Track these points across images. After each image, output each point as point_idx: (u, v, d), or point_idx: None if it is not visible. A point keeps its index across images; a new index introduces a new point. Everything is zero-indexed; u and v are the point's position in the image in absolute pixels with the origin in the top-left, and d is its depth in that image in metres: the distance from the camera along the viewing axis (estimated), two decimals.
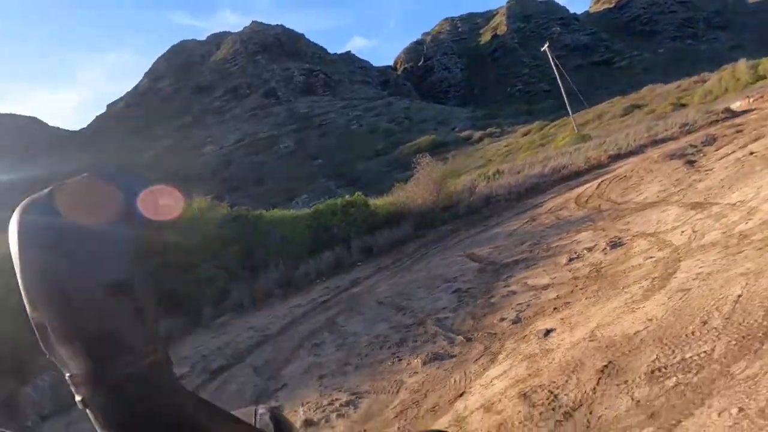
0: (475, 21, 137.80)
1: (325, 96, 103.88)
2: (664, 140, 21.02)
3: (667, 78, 70.10)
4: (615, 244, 8.48)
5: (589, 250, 8.77)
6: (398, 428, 4.89)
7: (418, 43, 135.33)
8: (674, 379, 3.93)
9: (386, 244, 16.20)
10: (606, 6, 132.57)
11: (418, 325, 7.78)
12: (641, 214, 10.02)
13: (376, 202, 20.09)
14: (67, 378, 0.65)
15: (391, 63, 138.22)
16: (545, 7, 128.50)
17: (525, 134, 61.77)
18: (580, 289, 6.97)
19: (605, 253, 8.24)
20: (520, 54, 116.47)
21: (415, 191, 19.48)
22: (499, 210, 17.34)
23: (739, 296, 4.82)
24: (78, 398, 0.65)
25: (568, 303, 6.58)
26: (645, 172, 14.39)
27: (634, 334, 4.88)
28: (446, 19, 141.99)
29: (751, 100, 25.25)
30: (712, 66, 60.55)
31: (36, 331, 0.64)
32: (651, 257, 7.12)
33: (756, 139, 13.23)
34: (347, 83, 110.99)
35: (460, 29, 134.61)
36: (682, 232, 7.72)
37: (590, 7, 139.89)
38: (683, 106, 40.76)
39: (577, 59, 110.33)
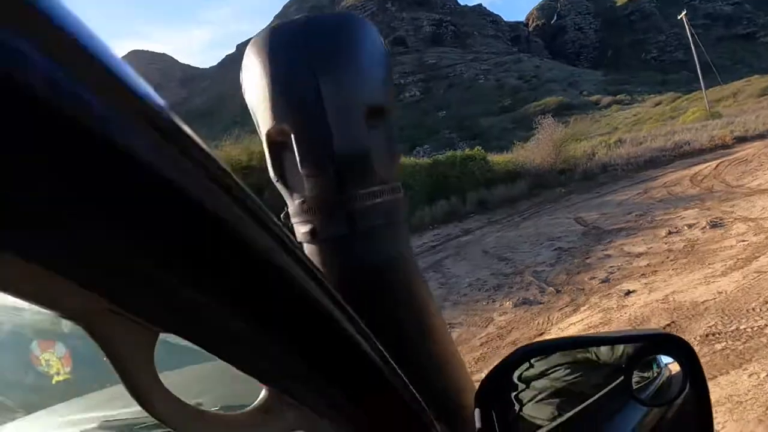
0: None
1: (454, 48, 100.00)
2: None
3: None
4: (715, 225, 8.72)
5: (690, 227, 9.05)
6: (481, 353, 5.86)
7: (552, 0, 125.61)
8: (723, 344, 4.54)
9: (500, 200, 16.85)
10: None
11: (516, 274, 8.60)
12: (749, 200, 10.06)
13: (495, 158, 20.45)
14: (295, 206, 0.63)
15: (522, 19, 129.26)
16: None
17: (656, 105, 58.42)
18: (671, 260, 7.43)
19: (704, 232, 8.53)
20: (658, 19, 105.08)
21: (534, 151, 19.96)
22: (614, 179, 17.59)
23: None
24: (304, 230, 0.63)
25: (656, 271, 7.10)
26: (766, 158, 14.35)
27: (702, 302, 5.45)
28: None
29: None
30: None
31: (267, 151, 0.62)
32: (744, 241, 7.39)
33: None
34: (477, 36, 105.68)
35: None
36: None
37: None
38: None
39: (719, 30, 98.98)
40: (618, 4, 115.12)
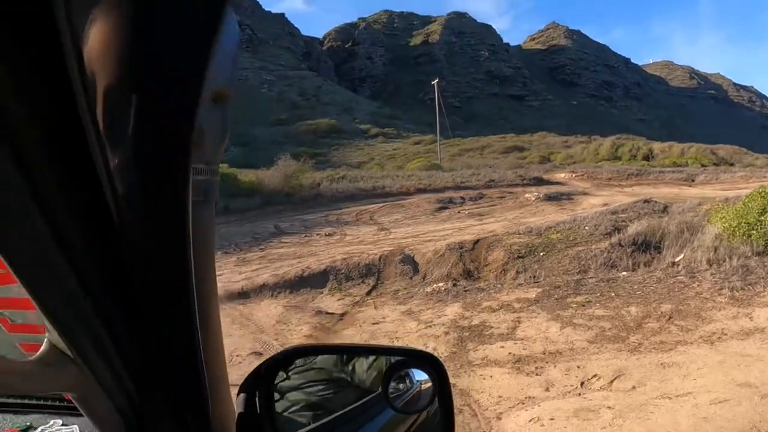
0: (412, 21, 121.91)
1: (246, 53, 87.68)
2: (467, 187, 23.00)
3: (571, 129, 68.90)
4: (333, 234, 14.14)
5: (329, 235, 14.03)
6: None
7: (352, 25, 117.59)
8: None
9: (239, 208, 18.56)
10: (536, 46, 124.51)
11: (228, 246, 12.76)
12: (369, 227, 15.26)
13: (244, 176, 22.35)
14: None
15: (320, 35, 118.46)
16: (480, 30, 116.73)
17: (415, 143, 58.37)
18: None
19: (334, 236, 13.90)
20: (444, 66, 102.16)
21: (271, 176, 22.36)
22: (319, 205, 20.12)
23: None
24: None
25: (301, 256, 11.42)
26: (413, 207, 18.30)
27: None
28: (386, 10, 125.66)
29: (573, 174, 29.30)
30: (615, 131, 61.81)
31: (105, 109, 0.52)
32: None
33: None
34: (271, 46, 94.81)
35: (395, 24, 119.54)
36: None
37: (523, 43, 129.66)
38: (548, 160, 44.41)
39: (494, 88, 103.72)
40: (411, 44, 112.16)
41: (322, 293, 9.15)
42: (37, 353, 0.61)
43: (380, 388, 0.96)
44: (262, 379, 0.89)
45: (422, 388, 1.00)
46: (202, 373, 0.71)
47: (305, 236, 13.94)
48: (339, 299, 8.89)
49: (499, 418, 4.76)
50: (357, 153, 54.96)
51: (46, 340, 0.62)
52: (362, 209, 18.45)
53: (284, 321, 7.68)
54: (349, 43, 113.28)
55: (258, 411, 0.86)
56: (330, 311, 8.24)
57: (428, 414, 1.00)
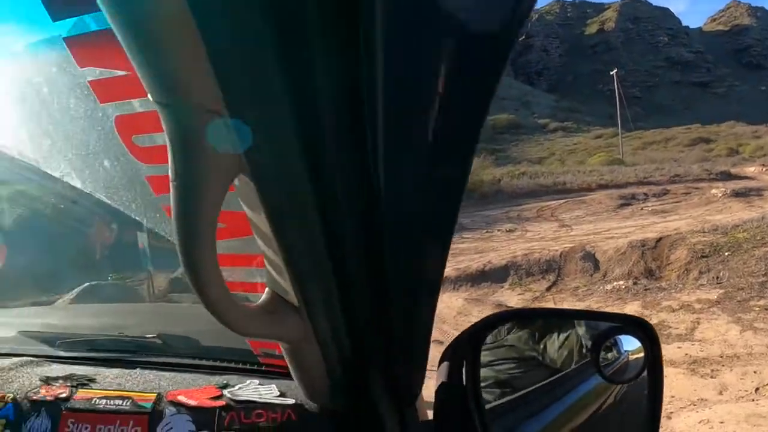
0: (585, 9, 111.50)
1: None
2: (650, 183, 21.75)
3: (761, 117, 59.75)
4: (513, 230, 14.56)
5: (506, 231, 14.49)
6: None
7: None
8: None
9: None
10: (718, 28, 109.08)
11: None
12: (550, 222, 15.50)
13: None
14: None
15: None
16: (657, 13, 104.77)
17: (596, 137, 55.41)
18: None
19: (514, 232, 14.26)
20: (621, 54, 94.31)
21: None
22: (500, 201, 19.87)
23: None
24: None
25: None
26: (595, 203, 17.79)
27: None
28: (557, 1, 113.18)
29: (764, 168, 26.45)
30: None
31: None
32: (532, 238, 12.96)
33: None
34: None
35: (569, 14, 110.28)
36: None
37: (704, 25, 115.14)
38: (737, 153, 41.09)
39: (676, 75, 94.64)
40: (586, 33, 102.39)
41: (502, 287, 9.73)
42: (260, 300, 0.63)
43: (592, 353, 0.96)
44: (467, 349, 0.87)
45: (630, 359, 0.97)
46: (427, 352, 0.72)
47: (486, 232, 14.44)
48: (519, 294, 9.46)
49: (669, 418, 5.03)
50: (537, 148, 53.07)
51: (267, 289, 0.64)
52: (543, 205, 18.38)
53: (465, 313, 8.31)
54: (523, 36, 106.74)
55: (463, 382, 0.84)
56: (510, 305, 8.69)
57: (630, 387, 0.99)
